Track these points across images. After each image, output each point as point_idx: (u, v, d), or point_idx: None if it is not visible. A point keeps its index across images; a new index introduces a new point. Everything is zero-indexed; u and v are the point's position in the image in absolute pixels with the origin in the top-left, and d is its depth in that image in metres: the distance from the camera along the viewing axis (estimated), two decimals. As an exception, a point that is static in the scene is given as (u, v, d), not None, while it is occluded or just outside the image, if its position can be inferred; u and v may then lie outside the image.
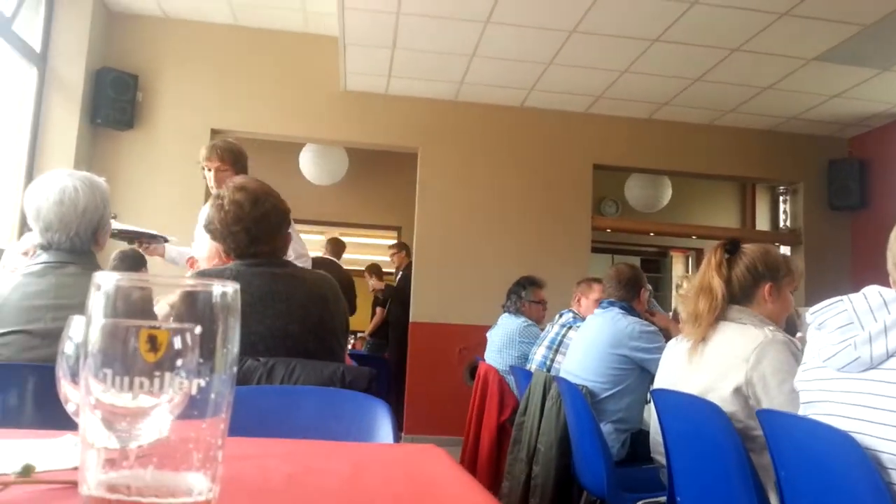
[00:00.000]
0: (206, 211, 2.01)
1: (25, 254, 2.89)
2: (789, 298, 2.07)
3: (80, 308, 1.78)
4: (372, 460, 1.01)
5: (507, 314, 4.38)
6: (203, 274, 2.01)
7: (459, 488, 0.86)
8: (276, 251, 1.96)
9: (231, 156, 3.51)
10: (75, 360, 0.72)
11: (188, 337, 0.50)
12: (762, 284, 2.01)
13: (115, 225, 3.28)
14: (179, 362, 0.50)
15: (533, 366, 3.74)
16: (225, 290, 0.53)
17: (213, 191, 3.45)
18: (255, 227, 1.89)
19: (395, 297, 6.91)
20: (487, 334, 4.44)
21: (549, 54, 5.29)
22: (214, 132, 5.84)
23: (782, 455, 1.51)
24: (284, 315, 1.80)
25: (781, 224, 8.08)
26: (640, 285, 3.26)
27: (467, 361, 5.71)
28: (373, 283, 7.47)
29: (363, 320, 7.80)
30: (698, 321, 2.00)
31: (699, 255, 9.11)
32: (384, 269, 7.83)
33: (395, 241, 7.72)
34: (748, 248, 2.06)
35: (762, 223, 8.68)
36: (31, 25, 5.14)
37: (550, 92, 6.05)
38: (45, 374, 1.59)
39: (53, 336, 1.69)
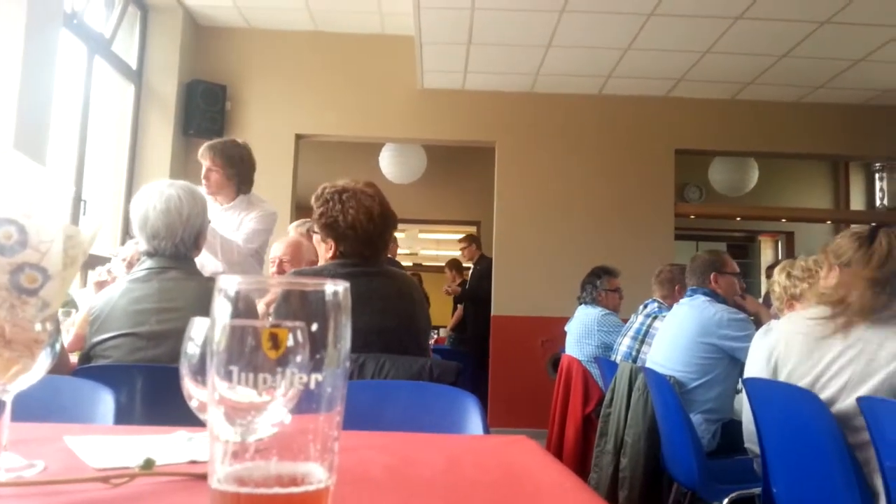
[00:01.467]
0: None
1: (124, 260, 3.07)
2: None
3: (183, 311, 1.87)
4: (465, 451, 1.04)
5: (583, 306, 4.32)
6: (300, 273, 2.09)
7: (554, 477, 0.89)
8: (382, 256, 2.05)
9: (229, 160, 3.25)
10: (197, 360, 0.76)
11: (305, 335, 0.54)
12: None
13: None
14: (298, 359, 0.53)
15: (618, 357, 3.71)
16: (336, 289, 0.56)
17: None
18: (377, 239, 1.98)
19: (468, 294, 6.91)
20: (566, 328, 4.39)
21: (627, 40, 5.20)
22: (299, 137, 6.03)
23: (885, 443, 1.47)
24: (380, 312, 1.86)
25: (878, 203, 7.72)
26: (711, 270, 3.14)
27: (550, 354, 5.69)
28: (451, 287, 7.47)
29: (443, 316, 7.87)
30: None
31: (789, 238, 8.76)
32: (464, 265, 7.85)
33: (462, 235, 7.65)
34: None
35: (857, 203, 8.28)
36: (127, 44, 5.44)
37: (629, 78, 5.94)
38: (152, 374, 1.71)
39: (158, 338, 1.80)
